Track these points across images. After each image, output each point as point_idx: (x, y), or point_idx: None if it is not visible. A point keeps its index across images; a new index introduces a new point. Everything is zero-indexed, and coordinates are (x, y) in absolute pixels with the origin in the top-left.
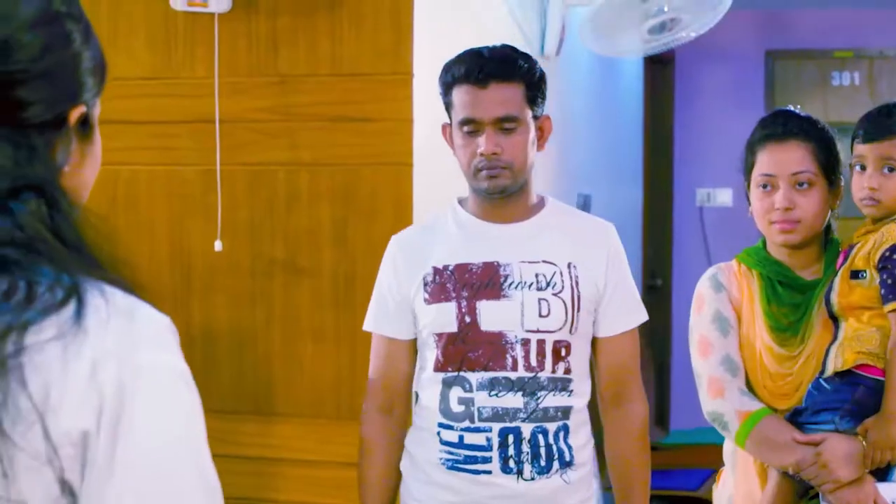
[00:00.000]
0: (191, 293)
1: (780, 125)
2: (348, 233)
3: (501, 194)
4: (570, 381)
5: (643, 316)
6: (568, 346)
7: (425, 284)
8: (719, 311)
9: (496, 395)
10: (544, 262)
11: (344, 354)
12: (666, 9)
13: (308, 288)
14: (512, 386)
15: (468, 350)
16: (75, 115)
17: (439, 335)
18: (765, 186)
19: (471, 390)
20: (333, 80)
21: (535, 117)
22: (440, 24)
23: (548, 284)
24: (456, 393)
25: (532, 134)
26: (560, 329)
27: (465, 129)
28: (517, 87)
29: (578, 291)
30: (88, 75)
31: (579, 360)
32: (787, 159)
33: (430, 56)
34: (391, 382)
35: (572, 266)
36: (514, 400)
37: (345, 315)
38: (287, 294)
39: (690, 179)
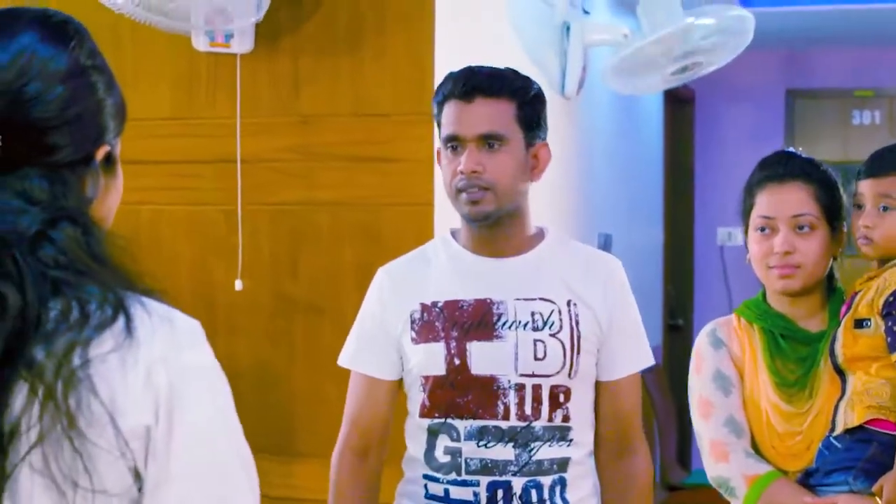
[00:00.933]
0: (213, 332)
1: (780, 166)
2: (369, 272)
3: (485, 221)
4: (568, 429)
5: (649, 359)
6: (567, 392)
7: (412, 322)
8: (719, 369)
9: (485, 445)
10: (541, 299)
11: None
12: (693, 56)
13: (329, 327)
14: (503, 436)
15: (456, 395)
16: (100, 153)
17: (426, 378)
18: (763, 229)
19: (458, 440)
20: (355, 120)
21: (530, 143)
22: (461, 65)
23: (545, 324)
24: (443, 442)
25: (521, 157)
26: (558, 373)
27: (449, 146)
28: (506, 104)
29: (579, 332)
30: (111, 118)
31: (580, 406)
32: (787, 201)
33: None
34: (368, 425)
35: (572, 304)
36: (505, 451)
37: None
38: (309, 333)
39: (711, 218)
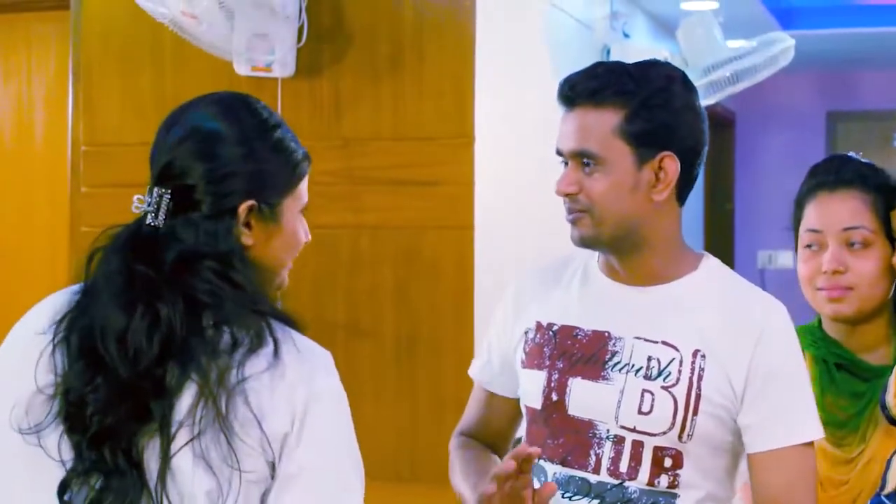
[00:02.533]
0: None
1: (832, 172)
2: (410, 295)
3: (586, 247)
4: (674, 497)
5: (809, 433)
6: (676, 457)
7: (525, 341)
8: None
9: (570, 497)
10: (664, 343)
11: (405, 417)
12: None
13: (370, 350)
14: (589, 491)
15: (548, 435)
16: (243, 208)
17: (527, 409)
18: (810, 246)
19: None
20: (396, 144)
21: (644, 158)
22: (502, 88)
23: (659, 374)
24: (534, 485)
25: (628, 177)
26: (664, 433)
27: (560, 161)
28: (609, 114)
29: (699, 390)
30: (248, 182)
31: (698, 475)
32: (837, 212)
33: (491, 119)
34: (486, 429)
35: (699, 355)
36: None
37: (406, 377)
38: (349, 356)
39: (751, 242)
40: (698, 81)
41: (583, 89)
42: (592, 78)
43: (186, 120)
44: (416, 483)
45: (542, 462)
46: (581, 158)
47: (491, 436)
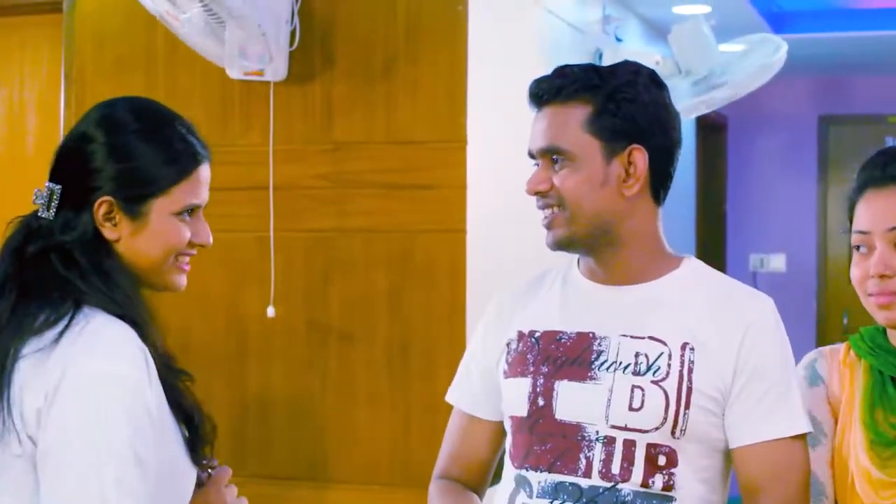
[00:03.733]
0: (246, 359)
1: (879, 168)
2: (403, 300)
3: (562, 249)
4: (670, 500)
5: (795, 426)
6: (670, 454)
7: (508, 352)
8: (810, 412)
9: None
10: (651, 338)
11: (398, 421)
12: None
13: (363, 355)
14: (580, 496)
15: (535, 442)
16: (97, 203)
17: (511, 418)
18: (859, 247)
19: (531, 496)
20: (388, 148)
21: (613, 152)
22: (494, 92)
23: (648, 369)
24: (521, 498)
25: (597, 172)
26: (656, 429)
27: (533, 164)
28: (576, 109)
29: (690, 382)
30: (108, 180)
31: (693, 475)
32: (883, 211)
33: (484, 124)
34: (465, 465)
35: (688, 348)
36: None
37: (400, 382)
38: (342, 361)
39: (743, 245)
40: (694, 98)
41: (549, 87)
42: (559, 76)
43: (100, 106)
44: (409, 488)
45: (525, 472)
46: (551, 156)
47: (471, 470)
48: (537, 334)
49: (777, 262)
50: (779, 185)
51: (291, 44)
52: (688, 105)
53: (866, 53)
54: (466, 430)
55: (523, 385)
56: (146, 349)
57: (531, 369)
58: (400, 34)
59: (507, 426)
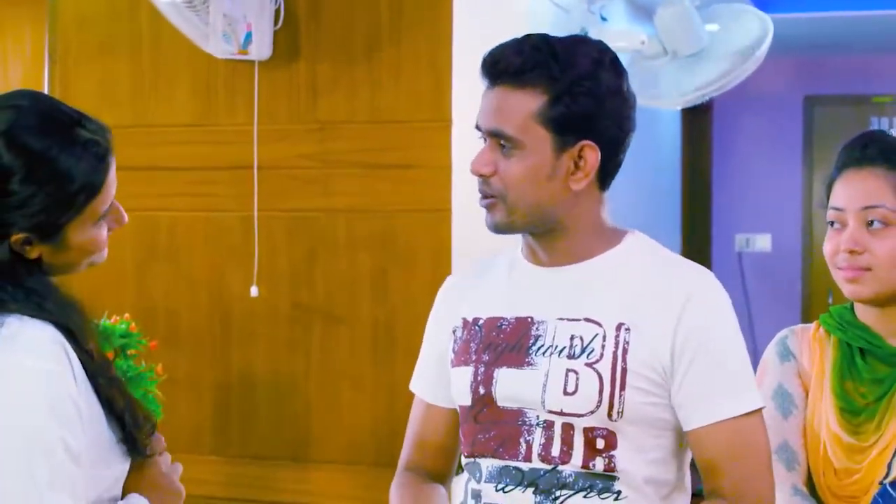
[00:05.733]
0: (229, 339)
1: (857, 149)
2: (387, 280)
3: (501, 233)
4: (613, 480)
5: (747, 403)
6: (610, 437)
7: (454, 340)
8: (782, 385)
9: (503, 490)
10: (586, 320)
11: (382, 401)
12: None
13: (346, 335)
14: (521, 479)
15: (479, 431)
16: (13, 240)
17: (460, 408)
18: (833, 224)
19: (480, 480)
20: (372, 127)
21: (563, 147)
22: (479, 71)
23: (582, 351)
24: (469, 483)
25: (545, 164)
26: (591, 413)
27: (479, 136)
28: (530, 97)
29: (624, 363)
30: (22, 219)
31: (637, 456)
32: (858, 190)
33: (469, 103)
34: (428, 451)
35: (623, 328)
36: (524, 498)
37: (383, 362)
38: (325, 341)
39: (729, 225)
40: (685, 97)
41: (505, 67)
42: (517, 54)
43: None
44: (393, 468)
45: (475, 459)
46: (499, 139)
47: (435, 457)
48: (480, 321)
49: (763, 242)
50: (764, 166)
51: (276, 24)
52: (690, 98)
53: (851, 34)
54: (426, 417)
55: (466, 374)
56: (69, 349)
57: (473, 358)
58: (384, 14)
59: (461, 415)
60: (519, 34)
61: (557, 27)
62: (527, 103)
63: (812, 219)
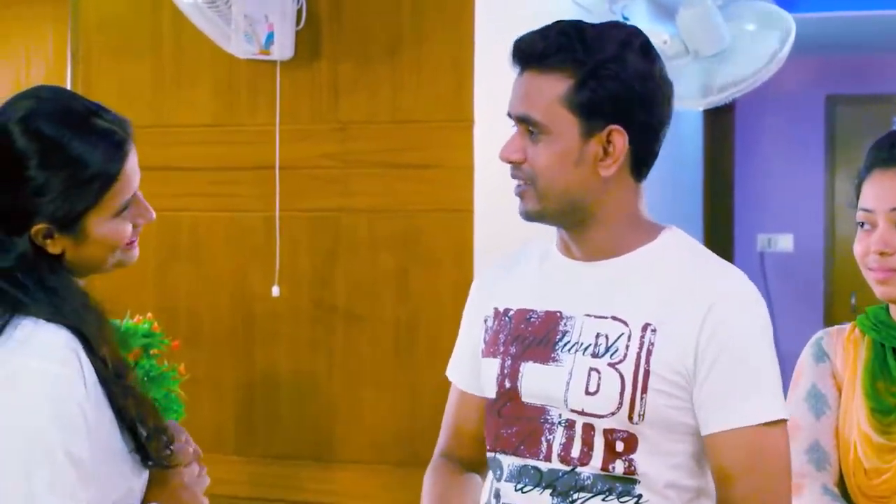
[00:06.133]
0: (252, 339)
1: (885, 149)
2: (408, 279)
3: (532, 220)
4: (634, 483)
5: (769, 412)
6: (630, 440)
7: (485, 330)
8: (816, 385)
9: (521, 489)
10: (613, 318)
11: (404, 401)
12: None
13: (368, 334)
14: (540, 480)
15: (502, 425)
16: (34, 232)
17: (486, 401)
18: (863, 224)
19: (500, 479)
20: (394, 127)
21: (590, 132)
22: (501, 71)
23: (606, 350)
24: (493, 482)
25: (572, 149)
26: (612, 414)
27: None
28: (555, 80)
29: (647, 365)
30: (41, 208)
31: (658, 460)
32: (887, 190)
33: (491, 102)
34: (463, 439)
35: (649, 329)
36: (541, 499)
37: (405, 361)
38: (347, 341)
39: (751, 225)
40: (707, 98)
41: (530, 52)
42: (542, 39)
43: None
44: (416, 468)
45: (497, 455)
46: (527, 125)
47: (469, 445)
48: (511, 312)
49: (785, 242)
50: (786, 165)
51: (298, 23)
52: (713, 99)
53: (874, 33)
54: (461, 405)
55: (493, 366)
56: (82, 354)
57: (501, 349)
58: (406, 13)
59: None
60: None
61: None
62: (552, 87)
63: (834, 219)
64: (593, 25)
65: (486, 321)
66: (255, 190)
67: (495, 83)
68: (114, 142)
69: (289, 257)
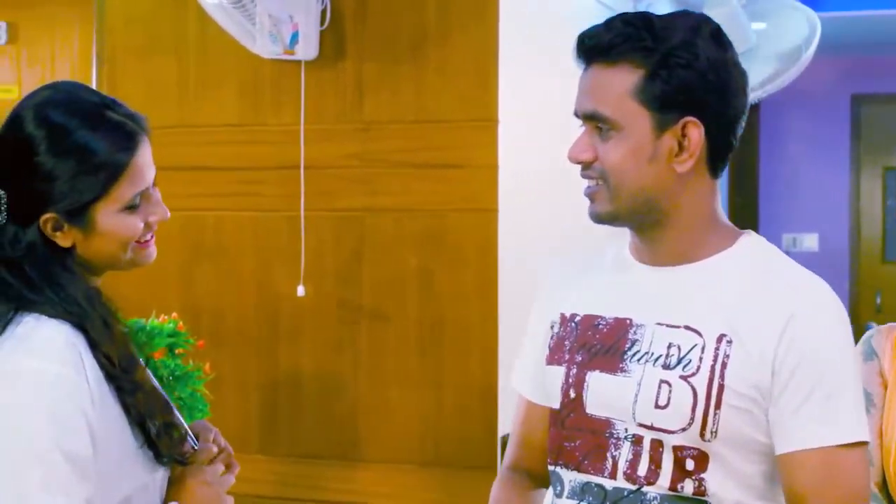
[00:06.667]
0: (277, 339)
1: None
2: (434, 279)
3: (603, 223)
4: None
5: (848, 433)
6: (701, 458)
7: (551, 336)
8: (864, 385)
9: None
10: (686, 328)
11: (429, 401)
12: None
13: (393, 334)
14: (604, 499)
15: (565, 438)
16: (42, 220)
17: (550, 411)
18: None
19: (561, 495)
20: (418, 127)
21: (664, 125)
22: (525, 70)
23: (678, 362)
24: (553, 498)
25: (647, 144)
26: (683, 430)
27: (579, 125)
28: (624, 73)
29: (722, 379)
30: (50, 196)
31: (731, 480)
32: None
33: (515, 102)
34: (529, 451)
35: (724, 340)
36: None
37: (431, 361)
38: (372, 340)
39: (776, 224)
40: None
41: (596, 45)
42: (607, 30)
43: (19, 108)
44: (441, 467)
45: (558, 469)
46: (596, 122)
47: (539, 458)
48: (577, 318)
49: (810, 242)
50: (811, 165)
51: (322, 23)
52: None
53: None
54: (528, 415)
55: (558, 374)
56: (85, 351)
57: (566, 357)
58: (430, 12)
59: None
60: (565, 33)
61: None
62: (622, 80)
63: (860, 218)
64: (660, 15)
65: (552, 326)
66: (279, 190)
67: (519, 82)
68: (124, 133)
69: (314, 257)
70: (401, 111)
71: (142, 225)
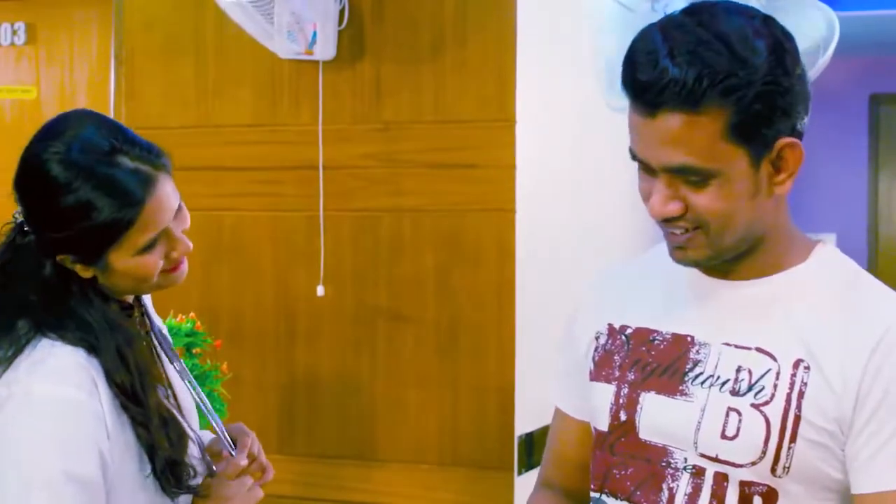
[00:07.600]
0: (295, 339)
1: None
2: (452, 280)
3: (696, 267)
4: None
5: None
6: (770, 495)
7: (596, 348)
8: None
9: None
10: (758, 350)
11: (447, 401)
12: None
13: (411, 334)
14: None
15: (615, 464)
16: (60, 259)
17: (595, 431)
18: None
19: None
20: (437, 127)
21: (760, 155)
22: (543, 71)
23: (749, 388)
24: None
25: (746, 181)
26: (753, 464)
27: (636, 161)
28: (712, 117)
29: (798, 410)
30: (64, 242)
31: None
32: None
33: (533, 102)
34: (564, 468)
35: (802, 366)
36: None
37: (448, 362)
38: (390, 341)
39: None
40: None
41: (672, 89)
42: (681, 68)
43: (29, 153)
44: (458, 468)
45: (606, 497)
46: (685, 175)
47: (575, 476)
48: (629, 331)
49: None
50: (829, 165)
51: (340, 23)
52: None
53: None
54: (565, 430)
55: (607, 393)
56: (98, 377)
57: (616, 374)
58: (448, 13)
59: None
60: (583, 34)
61: (623, 26)
62: (711, 123)
63: (878, 219)
64: (730, 36)
65: (597, 338)
66: (298, 190)
67: (537, 83)
68: (135, 182)
69: (332, 257)
70: (419, 111)
71: (161, 262)
